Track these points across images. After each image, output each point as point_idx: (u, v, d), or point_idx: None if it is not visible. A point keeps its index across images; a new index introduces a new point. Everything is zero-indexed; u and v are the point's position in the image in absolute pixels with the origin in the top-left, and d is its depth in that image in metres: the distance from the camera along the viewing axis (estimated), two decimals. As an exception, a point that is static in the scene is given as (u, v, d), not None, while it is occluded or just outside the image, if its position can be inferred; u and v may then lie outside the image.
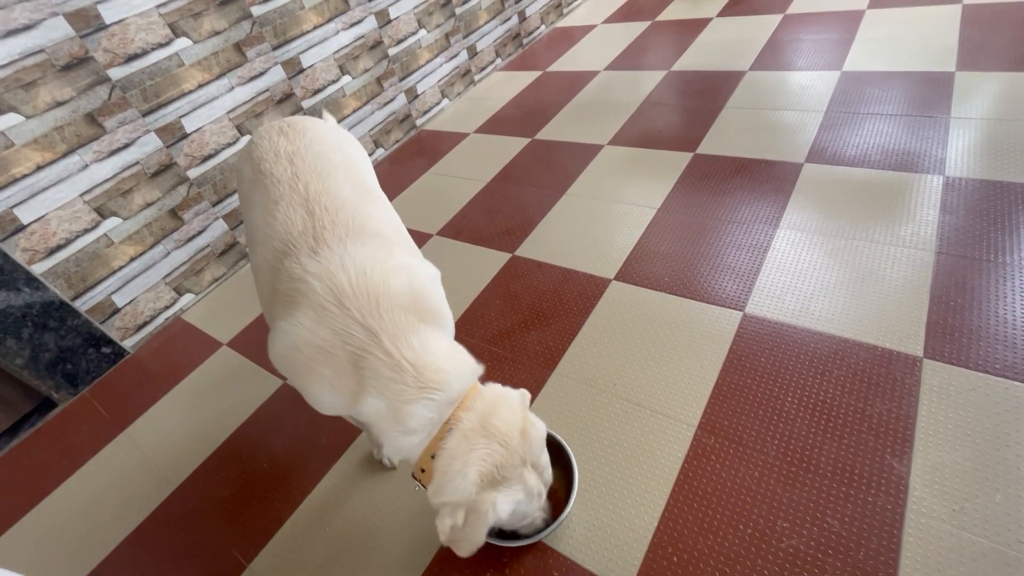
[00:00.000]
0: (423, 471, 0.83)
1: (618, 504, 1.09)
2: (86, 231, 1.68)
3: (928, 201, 1.53)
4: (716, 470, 1.09)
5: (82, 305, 1.72)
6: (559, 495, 1.09)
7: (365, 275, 0.83)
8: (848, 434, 1.08)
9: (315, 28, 2.18)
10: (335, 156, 1.04)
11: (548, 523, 1.01)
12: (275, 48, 2.06)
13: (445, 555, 1.08)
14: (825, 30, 2.54)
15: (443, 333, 0.89)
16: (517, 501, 0.81)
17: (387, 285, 0.83)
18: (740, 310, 1.39)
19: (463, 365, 0.86)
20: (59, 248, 1.63)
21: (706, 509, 1.04)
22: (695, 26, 3.01)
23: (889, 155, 1.73)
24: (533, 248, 1.82)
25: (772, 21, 2.79)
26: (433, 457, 0.80)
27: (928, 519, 0.94)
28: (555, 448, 1.12)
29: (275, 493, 1.29)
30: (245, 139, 2.03)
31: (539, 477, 0.86)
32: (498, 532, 1.06)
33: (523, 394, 0.90)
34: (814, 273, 1.43)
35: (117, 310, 1.81)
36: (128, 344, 1.85)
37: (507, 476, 0.79)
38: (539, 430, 0.87)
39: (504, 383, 0.91)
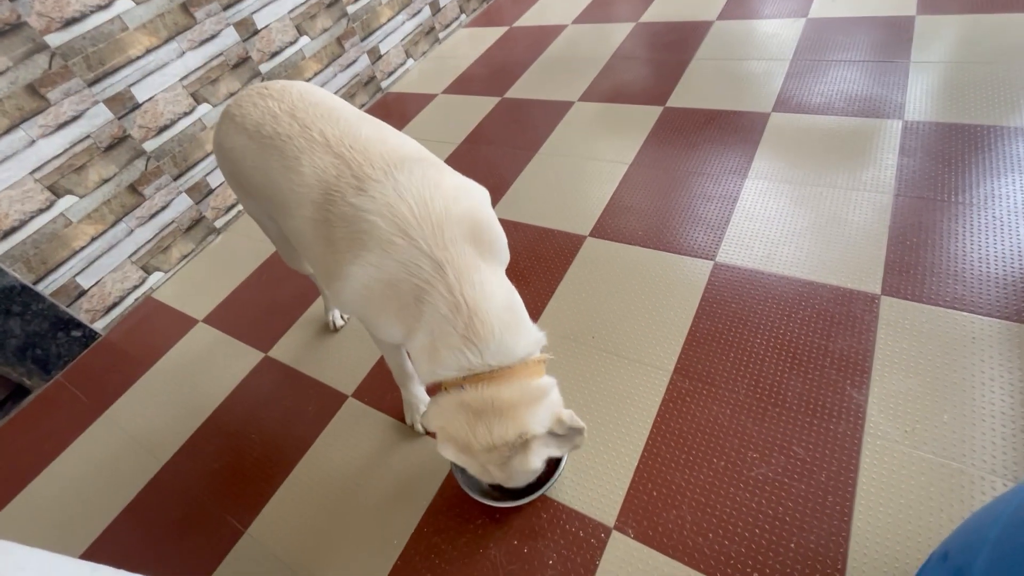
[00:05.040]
0: None
1: (601, 449, 1.14)
2: (41, 211, 1.60)
3: (888, 145, 1.58)
4: (691, 410, 1.15)
5: (45, 289, 1.66)
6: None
7: (426, 203, 0.82)
8: (812, 369, 1.15)
9: (267, -15, 2.06)
10: (334, 103, 1.00)
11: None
12: (225, 8, 1.94)
13: (437, 508, 1.13)
14: (791, -24, 2.51)
15: (500, 268, 0.90)
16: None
17: (449, 213, 0.82)
18: (711, 259, 1.43)
19: (511, 332, 0.84)
20: (13, 230, 1.56)
21: (682, 447, 1.10)
22: (662, -25, 2.94)
23: (851, 102, 1.76)
24: (508, 209, 1.82)
25: (739, -32, 2.74)
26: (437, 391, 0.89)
27: (883, 441, 1.01)
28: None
29: (266, 461, 1.31)
30: (202, 108, 1.94)
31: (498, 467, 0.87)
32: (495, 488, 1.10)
33: (558, 420, 0.85)
34: (781, 220, 1.47)
35: (83, 292, 1.75)
36: (99, 326, 1.81)
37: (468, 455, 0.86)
38: (528, 469, 0.85)
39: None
